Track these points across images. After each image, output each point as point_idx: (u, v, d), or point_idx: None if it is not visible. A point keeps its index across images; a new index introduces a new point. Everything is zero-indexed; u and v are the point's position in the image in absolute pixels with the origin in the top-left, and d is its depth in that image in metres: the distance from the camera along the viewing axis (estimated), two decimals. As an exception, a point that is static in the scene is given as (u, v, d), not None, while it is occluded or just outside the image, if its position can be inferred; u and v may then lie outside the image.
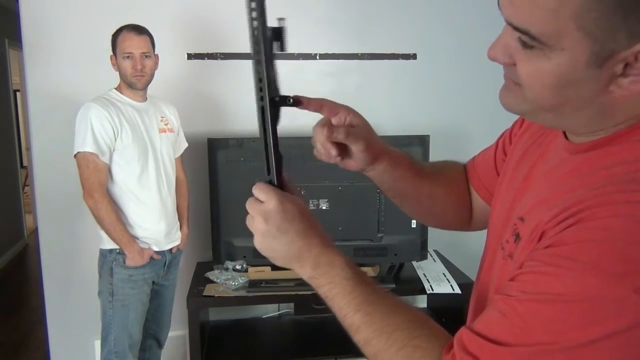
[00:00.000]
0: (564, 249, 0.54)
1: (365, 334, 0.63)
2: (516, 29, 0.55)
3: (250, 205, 0.69)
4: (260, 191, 0.69)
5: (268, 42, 0.66)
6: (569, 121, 0.61)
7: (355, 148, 0.79)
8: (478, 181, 0.91)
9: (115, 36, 2.05)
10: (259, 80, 0.67)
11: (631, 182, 0.54)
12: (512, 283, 0.58)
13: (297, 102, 0.71)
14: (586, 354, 0.50)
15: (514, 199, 0.71)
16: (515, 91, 0.61)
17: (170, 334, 2.40)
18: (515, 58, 0.58)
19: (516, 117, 0.86)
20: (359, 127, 0.79)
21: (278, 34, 0.67)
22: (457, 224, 0.96)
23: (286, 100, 0.69)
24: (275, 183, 0.70)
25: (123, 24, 2.06)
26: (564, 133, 0.66)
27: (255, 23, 0.65)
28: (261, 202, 0.68)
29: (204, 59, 2.51)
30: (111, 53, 2.07)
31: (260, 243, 0.69)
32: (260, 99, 0.68)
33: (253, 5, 0.64)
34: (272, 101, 0.68)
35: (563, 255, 0.53)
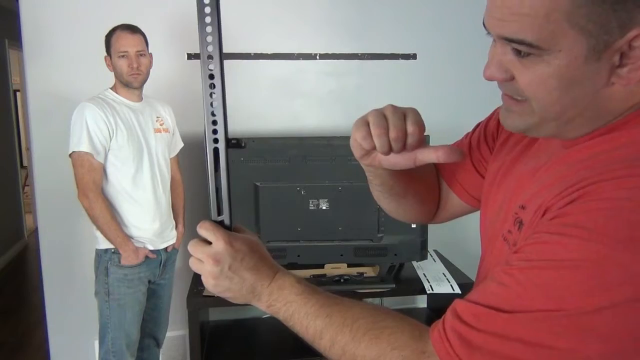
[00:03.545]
0: (570, 218, 0.53)
1: (329, 334, 0.63)
2: (511, 40, 0.56)
3: (195, 248, 0.68)
4: (206, 231, 0.68)
5: (222, 73, 0.65)
6: (573, 126, 0.61)
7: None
8: (454, 181, 0.90)
9: (108, 37, 2.05)
10: (212, 122, 0.66)
11: (636, 159, 0.54)
12: (514, 255, 0.56)
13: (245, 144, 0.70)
14: (588, 322, 0.49)
15: (510, 199, 0.71)
16: (517, 108, 0.61)
17: (170, 334, 2.40)
18: (514, 71, 0.58)
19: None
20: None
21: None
22: (423, 218, 0.96)
23: (240, 143, 0.69)
24: (230, 224, 0.70)
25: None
26: None
27: (209, 48, 0.64)
28: (207, 243, 0.68)
29: (204, 59, 2.51)
30: (105, 54, 2.07)
31: (214, 286, 0.68)
32: (214, 140, 0.67)
33: (209, 29, 0.63)
34: (229, 142, 0.67)
35: (568, 223, 0.52)
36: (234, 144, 0.68)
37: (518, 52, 0.56)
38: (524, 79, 0.58)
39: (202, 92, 0.65)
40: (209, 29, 0.62)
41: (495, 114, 0.86)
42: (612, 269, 0.49)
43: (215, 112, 0.66)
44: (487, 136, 0.86)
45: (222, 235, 0.67)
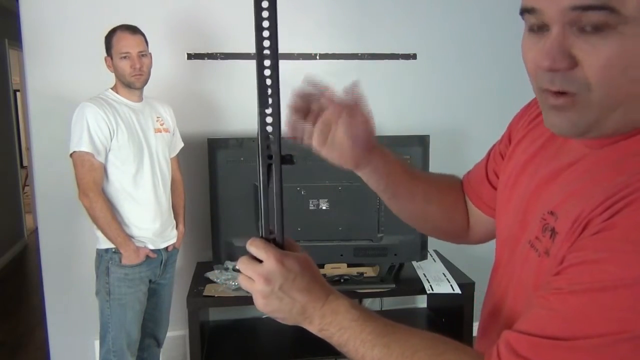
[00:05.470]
0: (617, 232, 0.49)
1: None
2: (587, 8, 0.50)
3: (246, 266, 0.66)
4: (257, 249, 0.65)
5: (278, 90, 0.60)
6: (636, 115, 0.55)
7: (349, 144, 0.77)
8: (475, 195, 0.88)
9: (109, 37, 2.05)
10: (266, 137, 0.62)
11: None
12: (558, 277, 0.53)
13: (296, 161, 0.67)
14: None
15: (528, 201, 0.68)
16: (573, 104, 0.55)
17: (170, 334, 2.40)
18: (578, 54, 0.53)
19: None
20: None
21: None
22: (453, 231, 0.93)
23: (292, 160, 0.64)
24: (281, 241, 0.67)
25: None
26: None
27: (267, 70, 0.59)
28: (258, 261, 0.65)
29: (204, 59, 2.51)
30: (105, 55, 2.07)
31: (264, 305, 0.65)
32: (268, 157, 0.63)
33: (267, 51, 0.59)
34: (282, 158, 0.64)
35: (617, 238, 0.49)
36: (287, 159, 0.64)
37: (584, 30, 0.51)
38: (597, 56, 0.52)
39: (258, 103, 0.60)
40: (265, 23, 0.57)
41: (513, 121, 0.83)
42: None
43: (269, 127, 0.62)
44: (503, 144, 0.83)
45: (274, 253, 0.64)
